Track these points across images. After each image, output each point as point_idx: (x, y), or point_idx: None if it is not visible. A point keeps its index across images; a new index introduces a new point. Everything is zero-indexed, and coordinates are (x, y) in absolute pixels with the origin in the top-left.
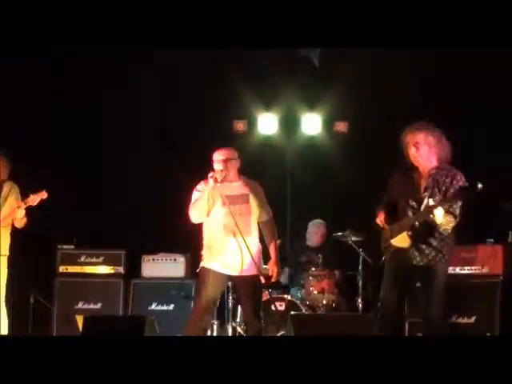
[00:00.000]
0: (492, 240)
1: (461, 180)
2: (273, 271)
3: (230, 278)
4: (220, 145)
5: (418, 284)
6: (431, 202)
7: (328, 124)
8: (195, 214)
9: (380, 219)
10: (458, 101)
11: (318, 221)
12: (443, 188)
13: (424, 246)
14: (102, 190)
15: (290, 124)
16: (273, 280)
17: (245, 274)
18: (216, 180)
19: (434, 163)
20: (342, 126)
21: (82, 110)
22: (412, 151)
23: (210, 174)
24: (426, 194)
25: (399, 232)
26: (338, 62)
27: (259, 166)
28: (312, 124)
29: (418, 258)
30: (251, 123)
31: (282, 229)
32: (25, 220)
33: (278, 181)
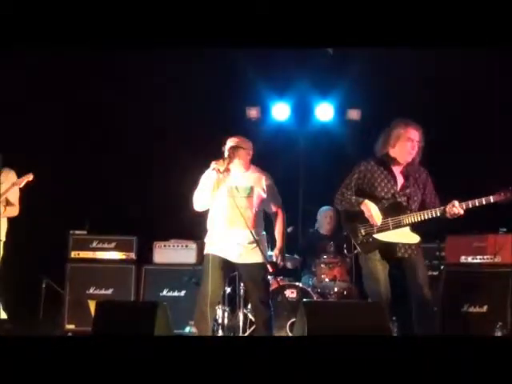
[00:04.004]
0: (505, 229)
1: (429, 175)
2: (276, 256)
3: (235, 266)
4: (233, 131)
5: None
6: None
7: (341, 111)
8: (198, 203)
9: (375, 212)
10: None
11: (326, 208)
12: (421, 185)
13: (405, 241)
14: (114, 176)
15: (302, 111)
16: (279, 263)
17: (248, 261)
18: (218, 171)
19: (407, 162)
20: (354, 114)
21: (91, 98)
22: (415, 147)
23: (211, 165)
24: (408, 191)
25: (396, 227)
26: (351, 50)
27: (272, 153)
28: (325, 111)
29: (402, 251)
30: (264, 110)
31: (294, 216)
32: (16, 209)
33: (290, 167)
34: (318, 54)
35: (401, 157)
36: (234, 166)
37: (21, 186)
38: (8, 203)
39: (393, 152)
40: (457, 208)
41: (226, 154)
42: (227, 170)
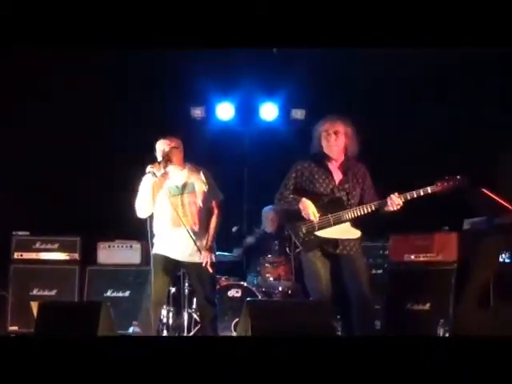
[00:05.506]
0: (447, 228)
1: (367, 171)
2: (203, 257)
3: (182, 264)
4: (178, 131)
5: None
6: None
7: (285, 111)
8: (140, 210)
9: (312, 210)
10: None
11: (269, 207)
12: (360, 180)
13: (346, 237)
14: (57, 176)
15: (247, 111)
16: (206, 266)
17: (195, 260)
18: (154, 174)
19: (343, 156)
20: (298, 113)
21: (35, 96)
22: (331, 139)
23: (147, 169)
24: (347, 185)
25: (336, 222)
26: (296, 50)
27: (217, 152)
28: (269, 111)
29: (340, 247)
30: (208, 110)
31: (239, 215)
32: None
33: (235, 166)
34: (263, 53)
35: (329, 152)
36: (171, 167)
37: None
38: None
39: (324, 149)
40: (396, 199)
41: (160, 158)
42: (165, 173)
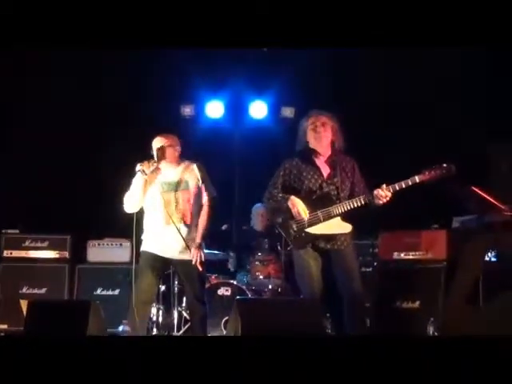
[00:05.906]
0: (436, 225)
1: (356, 164)
2: (193, 255)
3: (171, 262)
4: (168, 129)
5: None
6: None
7: (275, 109)
8: (127, 205)
9: (301, 208)
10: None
11: (259, 205)
12: (349, 174)
13: (337, 232)
14: (48, 175)
15: (236, 109)
16: (196, 264)
17: (185, 258)
18: (143, 172)
19: (330, 150)
20: (288, 112)
21: (27, 96)
22: (320, 130)
23: (136, 168)
24: (336, 179)
25: (326, 218)
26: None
27: (207, 150)
28: (259, 109)
29: (332, 242)
30: (198, 108)
31: (229, 213)
32: None
33: (225, 164)
34: (252, 51)
35: (316, 145)
36: (164, 164)
37: None
38: None
39: (310, 144)
40: (384, 191)
41: (155, 155)
42: (157, 169)
